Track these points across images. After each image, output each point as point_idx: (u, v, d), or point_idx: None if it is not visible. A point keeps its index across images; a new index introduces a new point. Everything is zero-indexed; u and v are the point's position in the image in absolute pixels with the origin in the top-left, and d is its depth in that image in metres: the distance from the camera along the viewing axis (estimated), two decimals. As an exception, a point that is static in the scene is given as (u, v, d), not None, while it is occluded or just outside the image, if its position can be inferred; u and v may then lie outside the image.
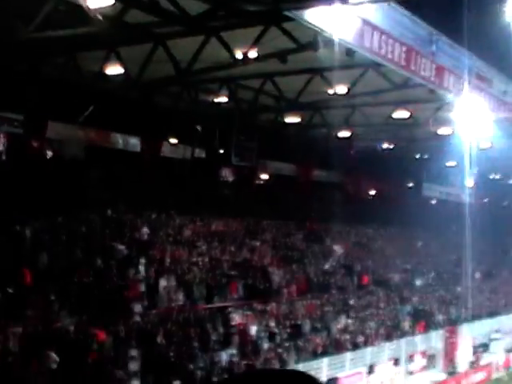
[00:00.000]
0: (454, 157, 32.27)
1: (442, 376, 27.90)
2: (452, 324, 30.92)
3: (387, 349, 25.61)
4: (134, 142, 26.50)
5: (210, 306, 21.06)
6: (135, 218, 23.06)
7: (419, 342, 27.84)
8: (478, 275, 38.26)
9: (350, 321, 25.87)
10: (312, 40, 17.18)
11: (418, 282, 34.09)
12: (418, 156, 38.97)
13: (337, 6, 16.13)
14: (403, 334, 27.48)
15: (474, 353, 30.36)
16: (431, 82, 21.64)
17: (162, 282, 20.08)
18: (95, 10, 13.87)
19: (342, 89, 22.55)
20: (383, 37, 18.66)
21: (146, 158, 26.12)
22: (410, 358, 26.59)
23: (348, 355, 23.52)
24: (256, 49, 17.97)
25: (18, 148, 21.80)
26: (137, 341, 17.24)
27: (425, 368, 27.49)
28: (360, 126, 29.39)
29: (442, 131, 28.44)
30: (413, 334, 28.22)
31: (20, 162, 21.67)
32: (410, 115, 26.21)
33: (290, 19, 15.82)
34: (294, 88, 23.39)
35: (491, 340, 32.71)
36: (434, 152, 35.95)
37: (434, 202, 45.53)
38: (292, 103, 25.11)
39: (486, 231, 38.59)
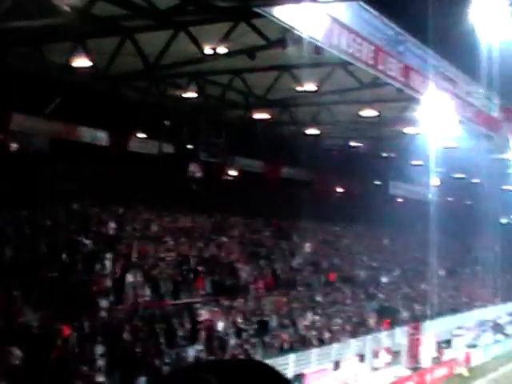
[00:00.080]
0: (419, 156, 32.72)
1: (406, 372, 28.28)
2: (416, 321, 31.39)
3: (353, 345, 25.87)
4: (101, 136, 26.22)
5: (176, 301, 20.99)
6: (101, 212, 22.84)
7: (384, 338, 28.20)
8: (441, 273, 38.92)
9: (316, 317, 26.07)
10: (281, 37, 17.27)
11: (384, 280, 34.52)
12: (384, 155, 39.40)
13: (305, 3, 16.29)
14: (368, 331, 27.79)
15: (437, 349, 30.87)
16: (398, 81, 21.92)
17: (129, 278, 19.94)
18: (63, 1, 13.68)
19: (310, 86, 22.68)
20: (352, 35, 18.84)
21: (112, 152, 25.88)
22: (375, 354, 26.90)
23: (314, 351, 23.69)
24: (225, 45, 17.97)
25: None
26: (102, 336, 17.08)
27: (389, 364, 27.83)
28: (328, 124, 29.61)
29: (408, 130, 28.84)
30: (378, 330, 28.56)
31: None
32: (378, 114, 26.50)
33: (259, 16, 15.85)
34: (263, 85, 23.43)
35: (454, 336, 33.33)
36: (400, 151, 36.40)
37: (400, 200, 46.13)
38: (260, 100, 25.16)
39: (450, 229, 39.27)
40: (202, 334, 20.19)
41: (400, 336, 29.27)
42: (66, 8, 13.78)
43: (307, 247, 31.51)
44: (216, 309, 21.86)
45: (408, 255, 39.77)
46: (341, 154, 36.27)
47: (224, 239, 27.10)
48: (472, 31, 19.73)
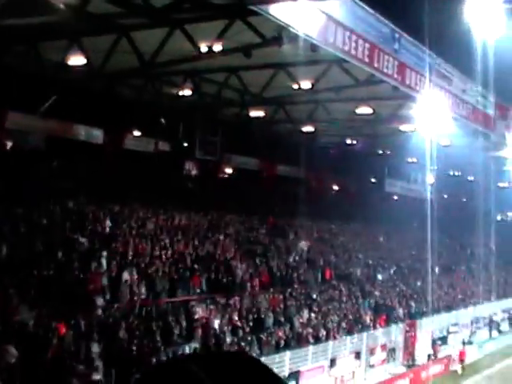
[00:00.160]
0: (415, 153, 32.79)
1: (402, 369, 28.39)
2: (412, 318, 31.48)
3: (348, 342, 25.92)
4: (97, 134, 26.19)
5: (172, 299, 20.99)
6: (97, 210, 22.82)
7: (380, 335, 28.27)
8: (437, 270, 39.01)
9: (312, 315, 26.10)
10: (277, 35, 17.27)
11: (380, 277, 34.59)
12: (380, 152, 39.47)
13: (301, 0, 16.28)
14: (364, 328, 27.86)
15: (433, 346, 30.99)
16: (394, 79, 21.96)
17: (125, 276, 19.92)
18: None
19: (306, 84, 22.70)
20: (347, 33, 18.85)
21: (108, 150, 25.87)
22: (371, 352, 26.98)
23: (310, 349, 23.74)
24: (221, 42, 17.96)
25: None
26: (98, 335, 17.07)
27: (385, 361, 27.92)
28: (323, 122, 29.63)
29: (403, 128, 28.90)
30: (374, 327, 28.63)
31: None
32: (373, 111, 26.54)
33: (254, 13, 15.85)
34: (259, 82, 23.44)
35: (449, 333, 33.45)
36: (396, 148, 36.48)
37: (395, 197, 46.23)
38: (256, 98, 25.16)
39: (445, 227, 39.34)
40: (198, 332, 20.20)
41: (396, 333, 29.35)
42: (62, 6, 13.74)
43: (303, 245, 31.55)
44: (212, 306, 21.87)
45: (404, 252, 39.87)
46: (337, 152, 36.30)
47: (220, 237, 27.12)
48: (467, 29, 19.78)
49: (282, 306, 25.33)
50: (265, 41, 17.61)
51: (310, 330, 24.87)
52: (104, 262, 19.80)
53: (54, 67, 19.77)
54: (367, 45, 19.88)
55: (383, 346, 27.91)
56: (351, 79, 22.36)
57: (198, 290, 22.56)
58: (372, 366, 26.93)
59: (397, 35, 21.74)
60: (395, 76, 21.89)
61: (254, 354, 20.94)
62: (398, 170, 40.82)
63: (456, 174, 44.27)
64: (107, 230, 22.02)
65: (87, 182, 23.44)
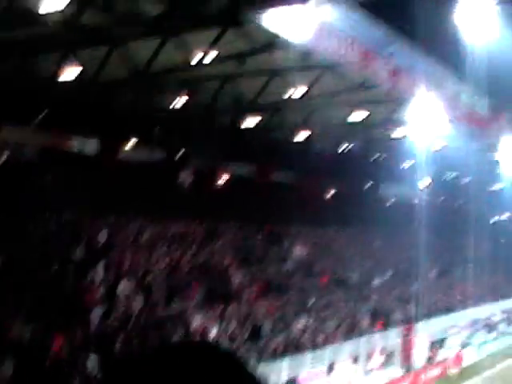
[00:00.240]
0: (410, 157, 32.81)
1: (400, 373, 28.35)
2: (409, 321, 31.44)
3: (346, 347, 25.87)
4: (92, 144, 26.10)
5: (169, 308, 20.90)
6: (93, 220, 22.73)
7: (377, 339, 28.23)
8: (434, 273, 39.01)
9: (309, 320, 26.04)
10: (270, 42, 17.29)
11: (377, 281, 34.55)
12: (375, 156, 39.48)
13: (296, 6, 16.22)
14: (362, 333, 27.81)
15: (431, 349, 30.95)
16: (388, 83, 21.98)
17: (121, 286, 19.84)
18: (50, 12, 13.63)
19: (300, 90, 22.71)
20: (341, 38, 18.85)
21: (104, 160, 25.78)
22: (369, 356, 26.93)
23: (308, 355, 23.67)
24: (214, 50, 17.96)
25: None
26: (95, 346, 16.99)
27: (383, 365, 27.88)
28: (318, 127, 29.64)
29: (398, 131, 28.92)
30: (371, 332, 28.59)
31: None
32: (367, 116, 26.56)
33: (248, 21, 15.86)
34: (253, 89, 23.44)
35: (447, 336, 33.41)
36: (390, 152, 36.48)
37: (391, 202, 46.22)
38: (251, 104, 25.16)
39: (441, 230, 39.38)
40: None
41: (393, 337, 29.32)
42: (54, 19, 13.72)
43: (299, 251, 31.49)
44: (209, 314, 21.80)
45: (400, 256, 39.81)
46: (332, 157, 36.27)
47: (216, 245, 27.05)
48: (460, 31, 19.81)
49: (279, 312, 25.26)
50: (258, 48, 17.63)
51: (308, 336, 24.82)
52: (101, 272, 19.72)
53: (47, 79, 19.70)
54: (361, 49, 19.87)
55: (381, 351, 27.87)
56: (345, 84, 22.38)
57: (195, 299, 22.48)
58: (370, 371, 26.88)
59: (391, 39, 21.71)
60: (389, 80, 21.91)
61: (252, 362, 20.85)
62: (393, 174, 40.78)
63: (451, 176, 44.27)
64: (103, 240, 21.93)
65: (83, 192, 23.33)
